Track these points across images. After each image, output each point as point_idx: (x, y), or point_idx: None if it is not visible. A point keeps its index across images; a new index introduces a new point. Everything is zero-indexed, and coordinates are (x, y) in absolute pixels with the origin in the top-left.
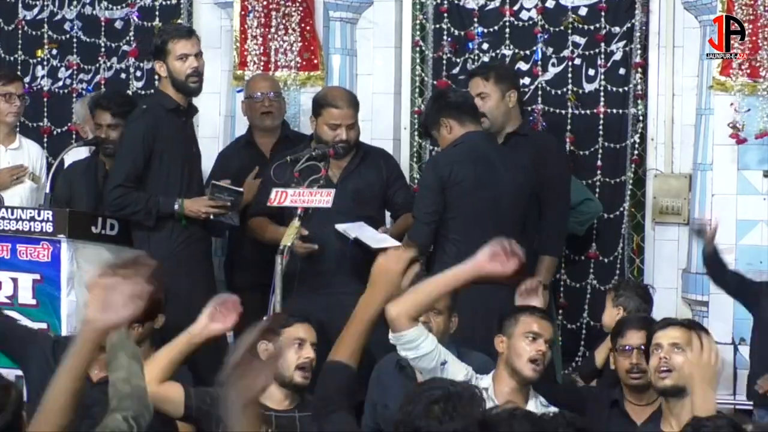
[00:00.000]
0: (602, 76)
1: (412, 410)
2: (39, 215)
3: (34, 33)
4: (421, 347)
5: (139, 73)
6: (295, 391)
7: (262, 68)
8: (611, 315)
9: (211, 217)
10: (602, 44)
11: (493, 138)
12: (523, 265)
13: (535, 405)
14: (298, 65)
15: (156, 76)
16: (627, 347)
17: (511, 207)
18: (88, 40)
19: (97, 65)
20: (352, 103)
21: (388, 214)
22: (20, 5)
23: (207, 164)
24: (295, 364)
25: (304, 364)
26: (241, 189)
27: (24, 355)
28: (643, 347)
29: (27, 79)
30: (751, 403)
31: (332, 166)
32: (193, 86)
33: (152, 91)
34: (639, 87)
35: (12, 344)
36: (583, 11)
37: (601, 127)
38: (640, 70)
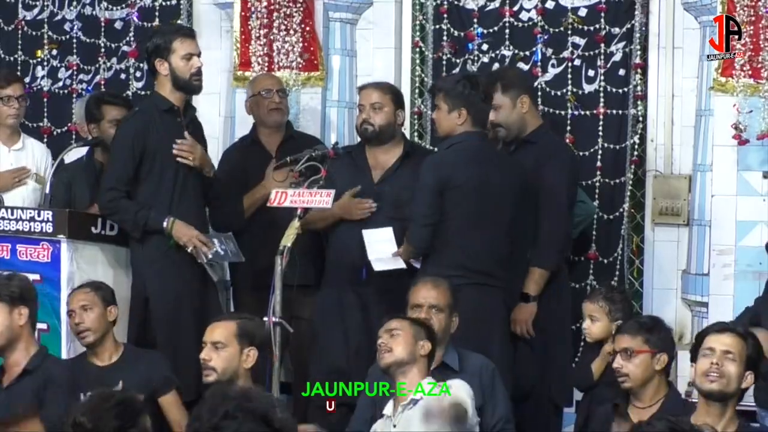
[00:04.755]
0: (602, 77)
1: None
2: (39, 215)
3: (34, 33)
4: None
5: (138, 74)
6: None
7: (266, 68)
8: (606, 328)
9: (194, 253)
10: (602, 45)
11: (490, 140)
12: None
13: None
14: (300, 66)
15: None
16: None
17: (504, 211)
18: (87, 40)
19: (97, 66)
20: (379, 86)
21: None
22: (20, 5)
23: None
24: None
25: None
26: (243, 259)
27: None
28: (629, 351)
29: (27, 80)
30: (754, 404)
31: (376, 166)
32: (196, 84)
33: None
34: (639, 88)
35: None
36: (582, 12)
37: (600, 128)
38: (639, 71)
